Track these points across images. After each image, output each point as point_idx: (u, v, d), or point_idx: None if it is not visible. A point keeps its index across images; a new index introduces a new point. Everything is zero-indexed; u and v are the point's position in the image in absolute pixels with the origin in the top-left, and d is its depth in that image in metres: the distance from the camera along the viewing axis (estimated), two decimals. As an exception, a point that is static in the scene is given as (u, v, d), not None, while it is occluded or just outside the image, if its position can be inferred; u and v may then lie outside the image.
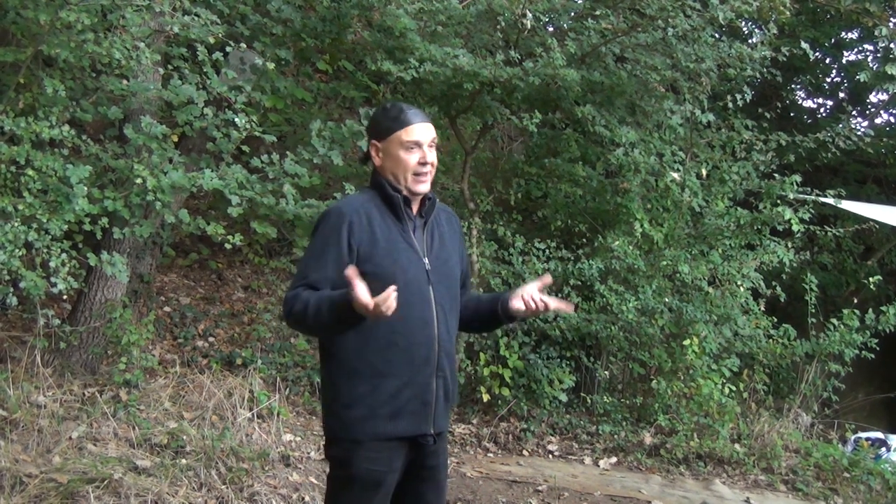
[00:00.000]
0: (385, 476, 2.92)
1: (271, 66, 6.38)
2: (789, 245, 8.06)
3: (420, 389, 2.92)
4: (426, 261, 2.95)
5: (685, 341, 7.24)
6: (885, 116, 13.72)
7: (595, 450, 7.08)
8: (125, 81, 5.84)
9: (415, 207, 3.00)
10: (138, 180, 5.47)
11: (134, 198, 5.61)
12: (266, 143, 6.22)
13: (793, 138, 8.21)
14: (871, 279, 8.31)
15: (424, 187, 2.95)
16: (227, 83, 6.02)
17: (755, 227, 7.84)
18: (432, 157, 2.95)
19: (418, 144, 2.92)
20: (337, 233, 2.86)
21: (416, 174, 2.92)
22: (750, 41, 10.38)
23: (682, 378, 7.34)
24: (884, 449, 7.59)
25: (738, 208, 7.98)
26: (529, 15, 6.99)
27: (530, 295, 3.00)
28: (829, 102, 14.14)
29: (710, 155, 8.31)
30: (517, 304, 3.01)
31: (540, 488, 6.13)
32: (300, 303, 2.78)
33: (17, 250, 4.98)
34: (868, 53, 13.19)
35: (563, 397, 7.42)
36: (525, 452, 6.99)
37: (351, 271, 2.62)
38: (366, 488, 2.90)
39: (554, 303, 3.04)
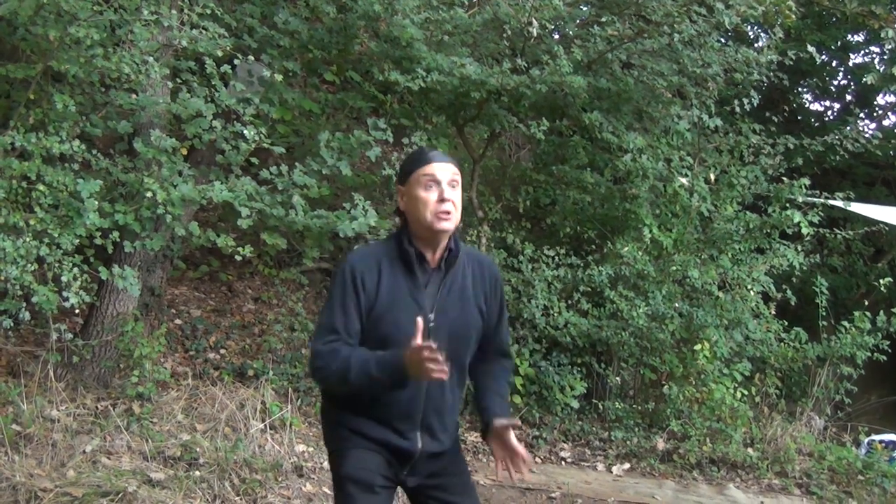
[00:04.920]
0: (375, 476, 2.92)
1: (279, 77, 6.41)
2: (799, 248, 8.04)
3: (401, 440, 2.94)
4: (431, 316, 2.89)
5: (696, 346, 7.23)
6: (893, 118, 13.72)
7: (608, 456, 7.07)
8: (134, 96, 5.87)
9: (433, 257, 2.96)
10: (148, 194, 5.50)
11: (144, 211, 5.63)
12: (275, 154, 6.25)
13: (800, 141, 8.21)
14: (881, 281, 8.28)
15: (447, 225, 2.87)
16: (236, 95, 6.05)
17: (764, 231, 7.82)
18: (452, 195, 2.89)
19: (436, 181, 2.87)
20: (352, 286, 2.87)
21: (437, 213, 2.85)
22: (756, 45, 10.39)
23: (694, 383, 7.33)
24: (898, 451, 7.56)
25: (747, 212, 7.96)
26: (535, 23, 7.01)
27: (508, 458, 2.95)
28: (837, 105, 14.14)
29: (718, 159, 8.30)
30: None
31: (553, 495, 6.13)
32: (339, 359, 2.79)
33: (28, 265, 5.01)
34: (875, 56, 13.19)
35: (575, 404, 7.41)
36: (538, 459, 6.97)
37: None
38: (359, 487, 2.90)
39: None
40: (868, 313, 7.62)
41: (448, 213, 2.87)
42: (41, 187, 5.23)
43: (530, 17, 7.02)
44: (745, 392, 7.41)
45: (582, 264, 7.72)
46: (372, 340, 2.87)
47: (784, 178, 8.01)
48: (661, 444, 7.11)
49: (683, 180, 7.93)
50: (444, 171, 2.90)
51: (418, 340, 2.62)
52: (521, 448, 2.85)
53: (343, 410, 2.98)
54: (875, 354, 7.60)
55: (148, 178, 5.56)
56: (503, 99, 7.45)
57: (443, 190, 2.87)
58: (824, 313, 7.89)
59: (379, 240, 3.29)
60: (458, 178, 2.95)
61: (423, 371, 2.63)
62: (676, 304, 7.49)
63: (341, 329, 2.84)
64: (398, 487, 3.08)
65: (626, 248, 7.59)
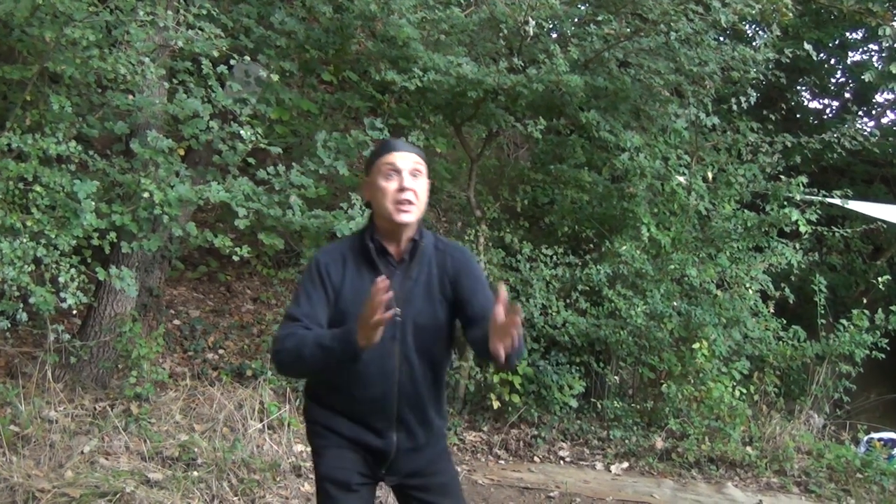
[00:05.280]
0: (351, 475, 2.91)
1: (276, 77, 6.41)
2: (797, 246, 8.04)
3: (376, 439, 2.91)
4: (397, 310, 2.78)
5: (695, 345, 7.23)
6: (892, 116, 13.72)
7: (606, 455, 7.07)
8: (131, 96, 5.87)
9: (396, 251, 2.90)
10: (145, 194, 5.50)
11: (141, 212, 5.63)
12: (272, 154, 6.25)
13: (798, 139, 8.20)
14: (880, 279, 8.29)
15: (408, 217, 2.81)
16: (232, 96, 6.05)
17: (762, 230, 7.81)
18: (413, 184, 2.83)
19: (396, 170, 2.82)
20: (319, 279, 2.84)
21: (398, 202, 2.81)
22: (754, 43, 10.39)
23: (693, 382, 7.32)
24: (896, 449, 7.57)
25: (745, 210, 7.96)
26: (532, 22, 7.01)
27: (499, 333, 2.53)
28: (835, 103, 14.15)
29: (715, 158, 8.30)
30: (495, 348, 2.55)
31: (552, 494, 6.13)
32: (295, 338, 2.71)
33: (26, 266, 5.02)
34: (873, 53, 13.19)
35: (574, 403, 7.42)
36: (536, 459, 6.98)
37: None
38: (337, 486, 2.91)
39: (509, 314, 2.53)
40: (867, 311, 7.62)
41: (409, 202, 2.82)
42: (38, 188, 5.24)
43: (527, 16, 7.02)
44: (744, 390, 7.40)
45: (580, 263, 7.72)
46: None
47: (782, 177, 8.01)
48: (659, 443, 7.11)
49: (681, 179, 7.93)
50: (406, 160, 2.86)
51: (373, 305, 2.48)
52: (506, 314, 2.49)
53: (321, 408, 2.97)
54: (874, 352, 7.61)
55: (145, 179, 5.57)
56: (500, 98, 7.45)
57: (403, 179, 2.82)
58: (823, 311, 7.89)
59: (346, 235, 3.26)
60: (422, 167, 2.90)
61: (369, 330, 2.50)
62: (675, 303, 7.49)
63: (302, 316, 2.78)
64: (381, 483, 3.07)
65: (624, 247, 7.59)
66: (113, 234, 5.57)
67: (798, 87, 13.51)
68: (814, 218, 7.78)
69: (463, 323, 2.96)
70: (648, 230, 7.67)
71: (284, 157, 6.52)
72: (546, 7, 6.99)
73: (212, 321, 8.17)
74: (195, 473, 5.32)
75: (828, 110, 14.25)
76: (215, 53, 5.89)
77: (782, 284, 8.11)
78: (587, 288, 7.62)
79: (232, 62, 6.09)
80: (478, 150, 8.49)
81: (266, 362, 7.15)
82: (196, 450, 5.58)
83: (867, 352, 7.60)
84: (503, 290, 2.56)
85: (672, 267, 7.62)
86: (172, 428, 5.95)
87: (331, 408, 2.94)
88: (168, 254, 7.19)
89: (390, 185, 2.82)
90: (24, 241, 5.04)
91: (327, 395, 2.94)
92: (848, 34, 12.96)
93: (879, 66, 11.81)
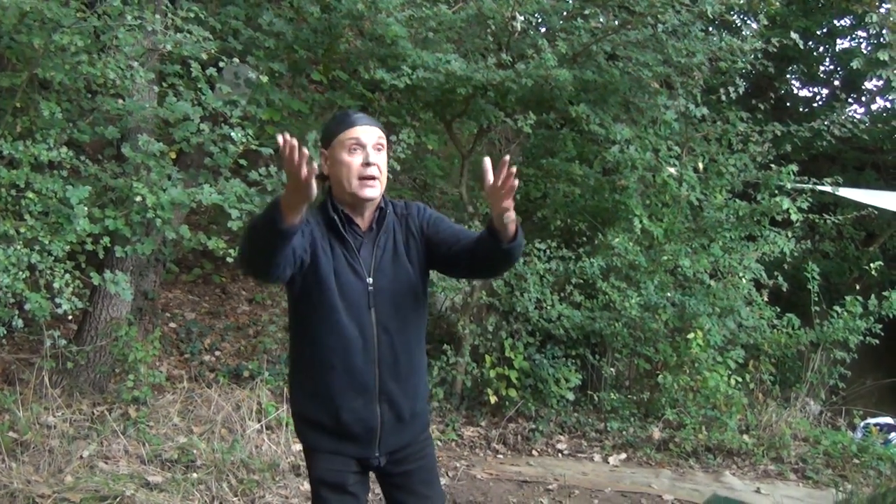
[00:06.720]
0: (345, 476, 2.93)
1: (265, 79, 6.42)
2: (789, 235, 8.07)
3: (362, 414, 2.88)
4: (370, 280, 2.85)
5: (689, 335, 7.25)
6: (881, 102, 13.74)
7: (604, 447, 7.10)
8: (121, 101, 5.87)
9: (363, 222, 2.91)
10: (138, 198, 5.51)
11: (134, 216, 5.64)
12: (263, 155, 6.26)
13: (788, 128, 8.22)
14: (873, 265, 8.31)
15: (373, 192, 2.83)
16: (222, 98, 6.06)
17: (754, 219, 7.85)
18: (377, 158, 2.83)
19: (360, 144, 2.82)
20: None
21: (362, 178, 2.81)
22: (743, 33, 10.40)
23: (688, 372, 7.35)
24: (893, 434, 7.59)
25: (737, 200, 7.99)
26: (519, 17, 7.02)
27: (495, 187, 2.68)
28: (825, 91, 14.17)
29: (706, 148, 8.31)
30: (496, 210, 2.70)
31: (550, 487, 6.15)
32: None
33: (20, 272, 5.02)
34: (861, 40, 13.21)
35: (571, 396, 7.44)
36: (534, 452, 7.00)
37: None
38: (331, 489, 2.93)
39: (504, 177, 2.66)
40: (860, 297, 7.66)
41: (373, 177, 2.82)
42: (30, 195, 5.24)
43: (514, 12, 7.03)
44: (740, 379, 7.44)
45: (573, 256, 7.73)
46: (310, 305, 2.84)
47: (773, 165, 8.03)
48: (656, 434, 7.14)
49: (672, 170, 7.94)
50: (369, 134, 2.85)
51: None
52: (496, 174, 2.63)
53: (304, 398, 2.96)
54: (867, 338, 7.66)
55: (137, 183, 5.57)
56: (490, 94, 7.46)
57: (368, 153, 2.82)
58: (816, 299, 7.93)
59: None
60: (384, 141, 2.89)
61: (293, 175, 2.42)
62: (669, 294, 7.51)
63: None
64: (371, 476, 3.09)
65: (617, 240, 7.60)
66: (106, 239, 5.57)
67: (787, 76, 13.54)
68: (805, 206, 7.81)
69: (448, 259, 2.93)
70: (641, 222, 7.69)
71: (276, 158, 6.53)
72: (533, 2, 7.01)
73: (208, 323, 8.19)
74: (194, 475, 5.34)
75: (817, 98, 14.28)
76: (204, 56, 5.90)
77: (775, 273, 8.13)
78: (581, 281, 7.63)
79: (221, 64, 6.09)
80: (469, 146, 8.49)
81: (263, 363, 7.16)
82: (195, 451, 5.61)
83: (861, 338, 7.66)
84: (487, 161, 2.65)
85: (665, 258, 7.65)
86: (171, 430, 5.97)
87: (317, 396, 2.90)
88: (162, 257, 7.19)
89: (355, 161, 2.82)
90: (18, 247, 5.05)
91: (313, 381, 2.91)
92: (835, 22, 12.97)
93: (867, 53, 11.82)
